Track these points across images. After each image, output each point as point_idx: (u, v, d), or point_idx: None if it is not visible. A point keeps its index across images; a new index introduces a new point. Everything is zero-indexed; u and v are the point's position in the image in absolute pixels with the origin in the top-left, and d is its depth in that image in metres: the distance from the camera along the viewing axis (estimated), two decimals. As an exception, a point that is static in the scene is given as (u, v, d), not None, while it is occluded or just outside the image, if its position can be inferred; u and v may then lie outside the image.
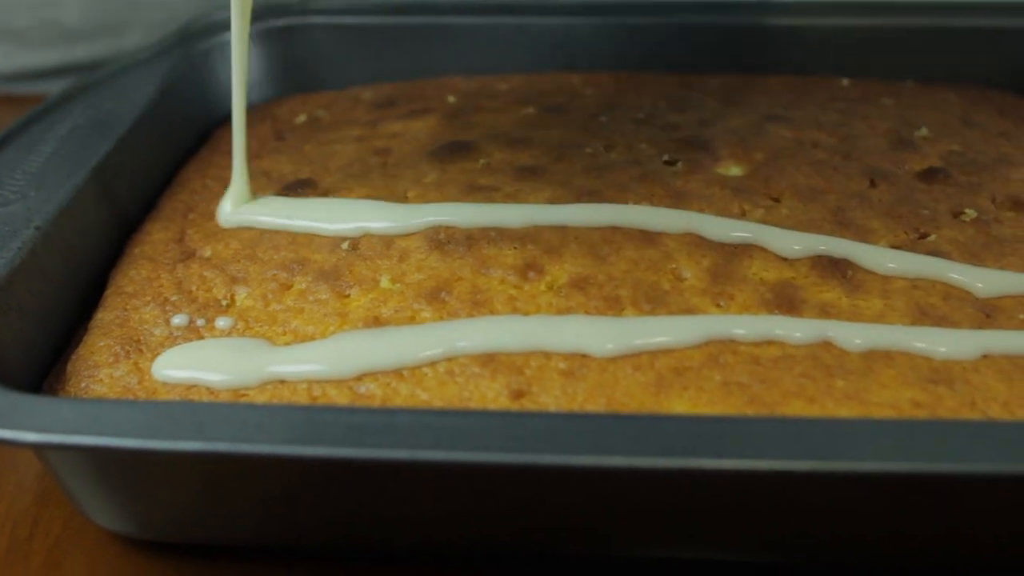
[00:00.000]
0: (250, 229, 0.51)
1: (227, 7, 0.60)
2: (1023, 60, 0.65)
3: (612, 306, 0.45)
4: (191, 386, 0.43)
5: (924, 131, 0.56)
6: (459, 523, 0.42)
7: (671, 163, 0.53)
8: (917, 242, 0.48)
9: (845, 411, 0.41)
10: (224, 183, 0.56)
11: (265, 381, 0.43)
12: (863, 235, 0.48)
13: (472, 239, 0.48)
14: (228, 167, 0.57)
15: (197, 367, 0.44)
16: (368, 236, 0.49)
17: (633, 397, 0.41)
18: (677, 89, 0.62)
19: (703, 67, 0.65)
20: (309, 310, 0.46)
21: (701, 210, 0.49)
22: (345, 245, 0.49)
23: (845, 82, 0.64)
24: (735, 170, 0.53)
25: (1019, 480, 0.37)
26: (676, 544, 0.42)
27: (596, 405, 0.41)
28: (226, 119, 0.64)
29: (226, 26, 0.66)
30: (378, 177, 0.53)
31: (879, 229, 0.48)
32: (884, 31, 0.66)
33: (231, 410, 0.39)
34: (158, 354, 0.45)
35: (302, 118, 0.62)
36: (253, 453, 0.37)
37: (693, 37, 0.66)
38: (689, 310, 0.44)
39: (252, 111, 0.64)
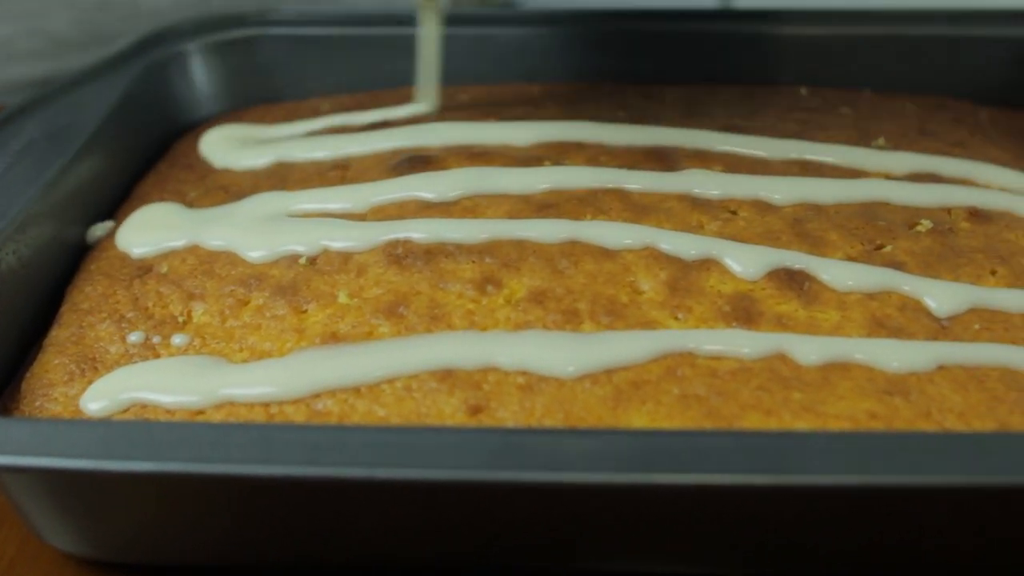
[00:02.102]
0: (205, 247, 0.50)
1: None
2: (980, 68, 0.66)
3: (570, 320, 0.45)
4: (146, 405, 0.43)
5: (881, 141, 0.56)
6: (419, 540, 0.41)
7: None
8: (873, 253, 0.48)
9: (802, 423, 0.41)
10: (182, 196, 0.55)
11: (220, 403, 0.43)
12: (820, 247, 0.48)
13: (430, 253, 0.48)
14: (186, 180, 0.57)
15: (149, 389, 0.43)
16: (326, 251, 0.49)
17: (591, 411, 0.41)
18: (637, 99, 0.62)
19: (663, 77, 0.65)
20: (266, 326, 0.46)
21: (659, 223, 0.49)
22: (303, 260, 0.48)
23: (804, 91, 0.64)
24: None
25: (975, 491, 0.37)
26: (637, 559, 0.42)
27: (554, 420, 0.41)
28: (185, 131, 0.64)
29: (184, 36, 0.65)
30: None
31: (836, 240, 0.48)
32: (842, 40, 0.66)
33: (185, 430, 0.38)
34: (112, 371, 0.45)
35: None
36: (207, 473, 0.36)
37: (652, 47, 0.66)
38: (647, 323, 0.45)
39: (210, 123, 0.64)
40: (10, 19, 0.79)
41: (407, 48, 0.65)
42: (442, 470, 0.36)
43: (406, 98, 0.63)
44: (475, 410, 0.42)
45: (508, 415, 0.42)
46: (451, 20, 0.66)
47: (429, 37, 0.58)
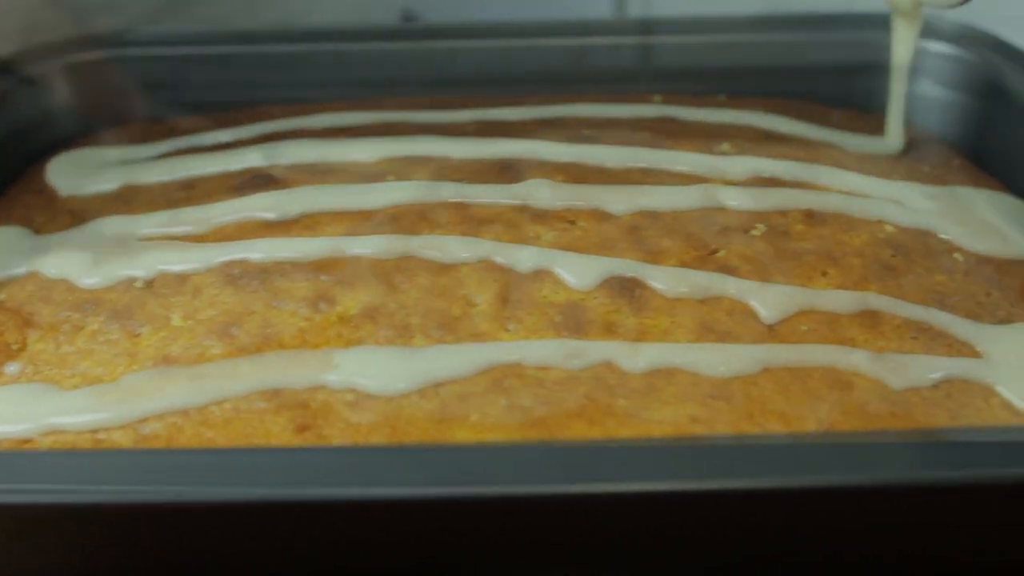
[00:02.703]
0: (44, 274, 0.50)
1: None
2: (833, 72, 0.67)
3: (402, 334, 0.45)
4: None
5: (726, 147, 0.57)
6: (248, 563, 0.41)
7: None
8: (707, 258, 0.49)
9: (626, 430, 0.42)
10: (28, 222, 0.55)
11: (48, 431, 0.42)
12: (654, 254, 0.49)
13: (266, 272, 0.48)
14: (34, 205, 0.57)
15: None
16: (164, 274, 0.48)
17: (417, 426, 0.42)
18: (492, 111, 0.63)
19: (521, 88, 0.66)
20: (99, 351, 0.46)
21: (497, 235, 0.49)
22: (139, 284, 0.48)
23: (657, 99, 0.65)
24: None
25: (783, 493, 0.37)
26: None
27: (380, 436, 0.42)
28: (45, 155, 0.63)
29: (39, 59, 0.65)
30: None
31: (671, 247, 0.49)
32: (695, 47, 0.67)
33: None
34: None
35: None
36: (15, 503, 0.36)
37: (510, 59, 0.66)
38: (478, 336, 0.45)
39: (61, 147, 0.63)
40: None
41: (264, 66, 0.66)
42: (252, 488, 0.36)
43: (264, 116, 0.63)
44: (301, 429, 0.42)
45: (335, 433, 0.42)
46: (310, 36, 0.67)
47: (902, 66, 0.57)
